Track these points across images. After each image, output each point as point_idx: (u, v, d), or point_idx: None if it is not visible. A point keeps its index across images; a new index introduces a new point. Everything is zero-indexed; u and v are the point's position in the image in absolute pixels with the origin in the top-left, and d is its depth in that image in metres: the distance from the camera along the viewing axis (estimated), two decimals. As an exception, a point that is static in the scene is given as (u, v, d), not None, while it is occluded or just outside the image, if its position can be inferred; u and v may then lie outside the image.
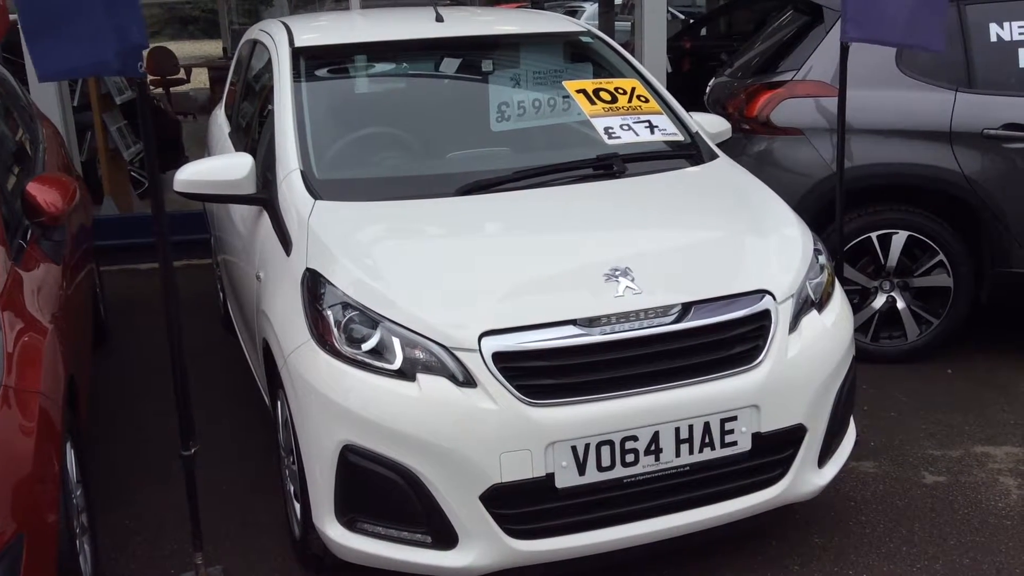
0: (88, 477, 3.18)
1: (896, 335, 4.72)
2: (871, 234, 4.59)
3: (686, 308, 2.89)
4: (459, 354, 2.74)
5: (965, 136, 4.47)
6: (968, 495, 3.59)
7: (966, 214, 4.57)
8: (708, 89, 5.71)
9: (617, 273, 2.90)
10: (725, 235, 3.32)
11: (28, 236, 3.36)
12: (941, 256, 4.58)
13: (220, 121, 5.16)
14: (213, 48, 14.79)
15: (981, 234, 4.58)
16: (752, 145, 4.77)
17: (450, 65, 4.12)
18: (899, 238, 4.59)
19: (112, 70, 2.83)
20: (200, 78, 12.56)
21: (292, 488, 3.19)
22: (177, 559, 3.36)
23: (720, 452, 2.88)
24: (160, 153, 8.69)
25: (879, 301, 4.67)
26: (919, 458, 3.86)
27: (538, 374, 2.76)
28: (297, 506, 3.13)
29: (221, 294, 5.28)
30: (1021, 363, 4.70)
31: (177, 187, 3.48)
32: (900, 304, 4.67)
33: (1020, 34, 4.48)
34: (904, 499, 3.58)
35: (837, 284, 3.34)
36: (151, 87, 8.82)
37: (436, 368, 2.75)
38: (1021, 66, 4.47)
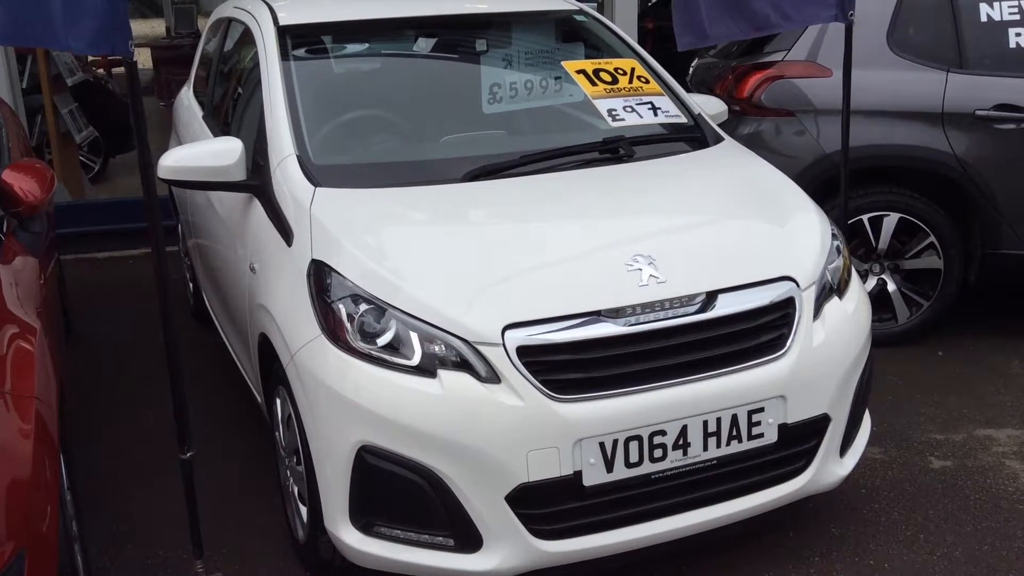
0: (73, 480, 2.99)
1: (886, 318, 4.68)
2: (862, 216, 4.55)
3: (711, 297, 2.80)
4: (482, 348, 2.61)
5: (957, 117, 4.44)
6: (977, 480, 3.56)
7: (956, 196, 4.55)
8: (691, 70, 5.62)
9: (640, 261, 2.79)
10: (744, 220, 3.22)
11: (4, 227, 3.15)
12: (932, 238, 4.55)
13: (189, 104, 4.93)
14: (155, 27, 14.31)
15: (971, 216, 4.57)
16: (742, 126, 4.69)
17: (440, 45, 3.97)
18: (890, 220, 4.55)
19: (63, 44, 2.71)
20: (141, 58, 12.15)
21: (296, 490, 3.04)
22: (172, 565, 3.19)
23: (747, 445, 2.80)
24: (111, 136, 8.34)
25: (870, 284, 4.63)
26: (923, 443, 3.83)
27: (564, 368, 2.64)
28: (303, 509, 2.98)
29: (191, 283, 5.06)
30: (1011, 344, 4.70)
31: (162, 174, 3.27)
32: (891, 286, 4.64)
33: (1010, 14, 4.45)
34: (914, 485, 3.54)
35: (853, 269, 3.27)
36: (93, 68, 8.48)
37: (457, 363, 2.62)
38: (1012, 46, 4.44)
